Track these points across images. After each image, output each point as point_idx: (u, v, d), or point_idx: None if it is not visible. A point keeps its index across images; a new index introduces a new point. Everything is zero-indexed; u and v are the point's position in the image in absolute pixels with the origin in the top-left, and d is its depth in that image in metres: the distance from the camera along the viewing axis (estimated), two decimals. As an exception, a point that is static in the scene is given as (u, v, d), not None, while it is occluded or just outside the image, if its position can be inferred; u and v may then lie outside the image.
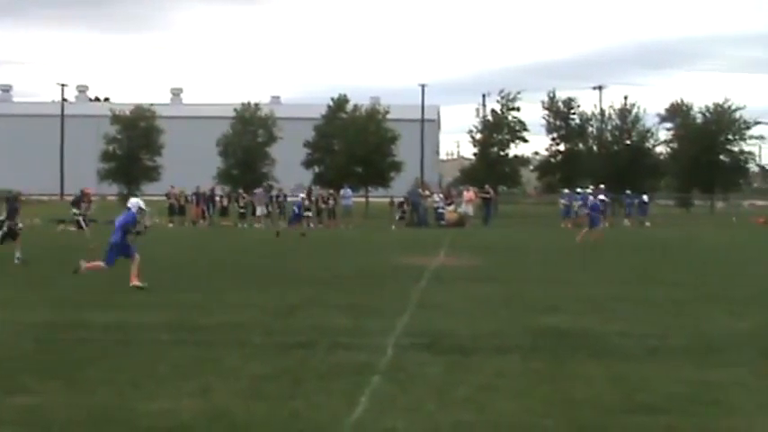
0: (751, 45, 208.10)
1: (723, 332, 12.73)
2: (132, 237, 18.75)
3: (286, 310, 14.80)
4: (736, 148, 72.59)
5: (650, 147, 73.83)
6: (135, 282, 17.92)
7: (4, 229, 23.71)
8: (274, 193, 52.10)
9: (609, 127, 74.18)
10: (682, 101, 75.54)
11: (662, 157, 75.09)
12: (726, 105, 72.31)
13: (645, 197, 54.88)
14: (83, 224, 30.28)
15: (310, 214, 44.34)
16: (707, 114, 73.05)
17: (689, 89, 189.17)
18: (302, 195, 43.47)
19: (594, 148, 74.33)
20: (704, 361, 10.60)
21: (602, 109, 75.78)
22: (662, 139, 74.77)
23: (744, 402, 8.67)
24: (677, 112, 74.79)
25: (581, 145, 74.36)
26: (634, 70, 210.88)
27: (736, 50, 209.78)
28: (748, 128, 71.97)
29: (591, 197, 38.97)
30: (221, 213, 50.83)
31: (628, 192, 56.15)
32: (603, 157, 71.26)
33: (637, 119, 72.84)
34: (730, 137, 72.12)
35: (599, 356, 10.86)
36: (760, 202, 78.14)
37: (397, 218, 49.33)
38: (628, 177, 64.13)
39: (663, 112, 75.38)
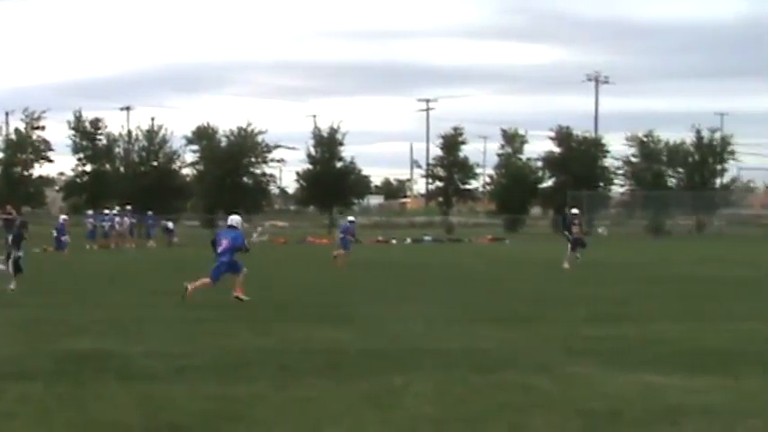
0: (274, 72, 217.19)
1: (248, 349, 13.09)
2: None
3: None
4: (258, 171, 75.50)
5: (177, 168, 74.91)
6: (239, 294, 18.90)
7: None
8: None
9: (136, 148, 74.27)
10: (208, 124, 77.31)
11: (189, 179, 76.41)
12: (249, 129, 74.96)
13: (170, 224, 55.62)
14: None
15: None
16: (231, 138, 75.25)
17: (215, 113, 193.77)
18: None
19: (122, 168, 74.15)
20: (229, 377, 10.83)
21: (129, 130, 75.90)
22: (189, 161, 76.19)
23: (264, 414, 8.95)
24: (203, 135, 76.36)
25: (108, 166, 73.85)
26: (163, 92, 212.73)
27: (260, 77, 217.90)
28: (270, 151, 75.22)
29: (343, 222, 38.68)
30: None
31: (150, 212, 56.57)
32: (130, 178, 71.27)
33: (164, 141, 73.64)
34: (253, 159, 74.83)
35: (124, 378, 10.74)
36: (281, 224, 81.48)
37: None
38: (155, 198, 64.54)
39: (190, 134, 76.64)
